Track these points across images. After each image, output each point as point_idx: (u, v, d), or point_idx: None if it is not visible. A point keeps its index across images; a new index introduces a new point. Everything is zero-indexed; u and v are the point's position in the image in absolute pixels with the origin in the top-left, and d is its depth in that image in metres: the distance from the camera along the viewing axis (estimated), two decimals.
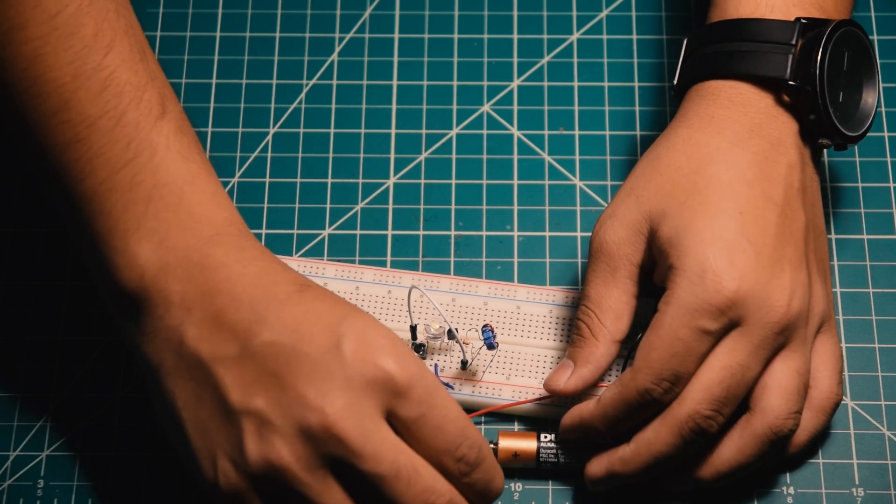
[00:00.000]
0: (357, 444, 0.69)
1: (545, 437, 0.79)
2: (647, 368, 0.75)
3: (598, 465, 0.78)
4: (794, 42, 0.79)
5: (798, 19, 0.79)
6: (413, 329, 0.82)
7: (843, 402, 0.82)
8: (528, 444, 0.79)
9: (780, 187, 0.77)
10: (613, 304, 0.78)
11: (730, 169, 0.77)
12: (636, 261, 0.78)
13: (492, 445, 0.79)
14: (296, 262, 0.85)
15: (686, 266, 0.75)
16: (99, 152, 0.73)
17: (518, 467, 0.80)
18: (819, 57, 0.78)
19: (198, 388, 0.72)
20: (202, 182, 0.75)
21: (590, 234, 0.87)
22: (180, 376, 0.72)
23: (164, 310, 0.73)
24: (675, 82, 0.82)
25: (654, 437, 0.76)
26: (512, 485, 0.80)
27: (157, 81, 0.76)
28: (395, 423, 0.71)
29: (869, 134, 0.90)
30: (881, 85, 0.92)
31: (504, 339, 0.83)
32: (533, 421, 0.82)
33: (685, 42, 0.83)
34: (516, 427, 0.82)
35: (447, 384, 0.81)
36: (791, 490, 0.80)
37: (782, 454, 0.79)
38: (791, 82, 0.78)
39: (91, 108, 0.74)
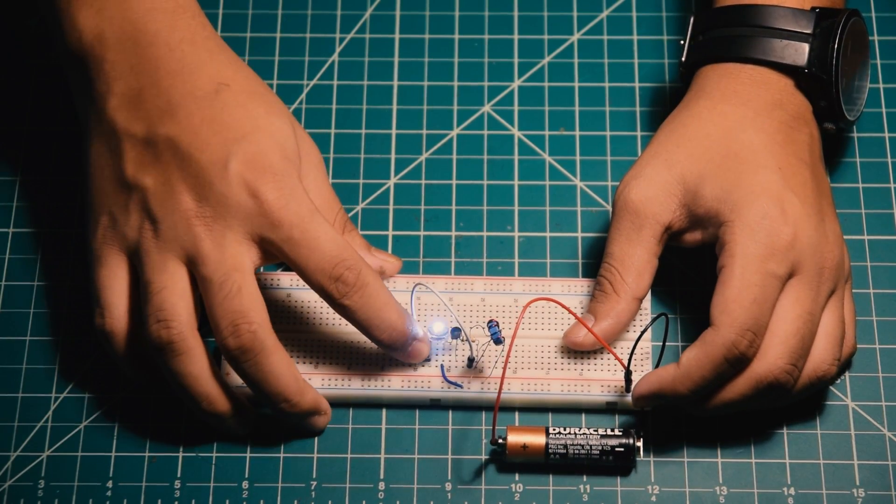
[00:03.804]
0: (205, 248, 0.77)
1: (554, 429, 0.79)
2: (730, 321, 0.76)
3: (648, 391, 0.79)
4: (811, 32, 0.82)
5: (813, 8, 0.83)
6: None
7: (843, 403, 0.83)
8: (536, 438, 0.79)
9: (806, 151, 0.81)
10: (636, 261, 0.80)
11: (760, 132, 0.80)
12: (663, 220, 0.80)
13: (500, 440, 0.79)
14: (289, 277, 0.85)
15: (743, 217, 0.77)
16: None
17: (524, 461, 0.80)
18: (836, 48, 0.82)
19: (108, 153, 0.79)
20: None
21: (591, 234, 0.88)
22: (98, 139, 0.80)
23: (95, 74, 0.80)
24: (682, 60, 0.85)
25: (731, 387, 0.77)
26: (512, 485, 0.80)
27: None
28: (270, 246, 0.77)
29: (869, 134, 0.91)
30: (882, 85, 0.92)
31: (506, 333, 0.82)
32: (523, 411, 0.82)
33: (692, 21, 0.86)
34: (517, 417, 0.82)
35: (456, 384, 0.81)
36: (792, 490, 0.80)
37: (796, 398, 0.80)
38: (807, 71, 0.82)
39: None
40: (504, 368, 0.79)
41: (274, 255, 0.78)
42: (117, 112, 0.79)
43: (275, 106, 0.80)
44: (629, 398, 0.81)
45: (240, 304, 0.76)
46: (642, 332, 0.80)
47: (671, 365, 0.78)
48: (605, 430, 0.80)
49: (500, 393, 0.79)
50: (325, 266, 0.77)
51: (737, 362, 0.76)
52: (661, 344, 0.82)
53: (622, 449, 0.79)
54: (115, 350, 0.80)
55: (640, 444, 0.79)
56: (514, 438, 0.79)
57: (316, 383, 0.82)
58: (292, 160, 0.78)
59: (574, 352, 0.82)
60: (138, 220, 0.78)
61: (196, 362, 0.77)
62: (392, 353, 0.81)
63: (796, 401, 0.80)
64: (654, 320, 0.81)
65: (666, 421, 0.82)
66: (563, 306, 0.80)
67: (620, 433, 0.79)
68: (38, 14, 0.94)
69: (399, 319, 0.79)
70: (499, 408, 0.82)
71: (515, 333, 0.78)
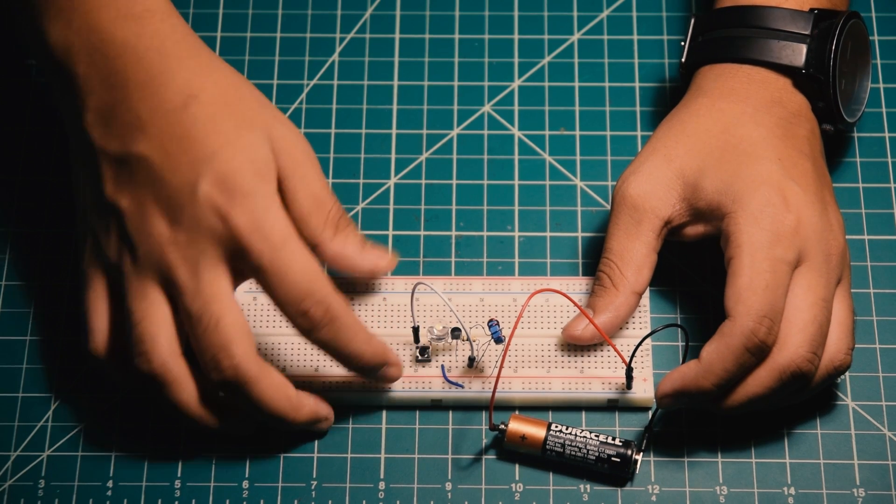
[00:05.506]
0: (181, 277, 0.75)
1: (556, 426, 0.79)
2: (745, 309, 0.76)
3: (671, 387, 0.78)
4: (809, 33, 0.83)
5: (812, 10, 0.83)
6: (416, 331, 0.82)
7: (843, 403, 0.83)
8: (537, 431, 0.79)
9: (806, 144, 0.81)
10: (635, 256, 0.80)
11: (759, 127, 0.81)
12: (662, 215, 0.80)
13: (501, 426, 0.80)
14: None
15: (745, 207, 0.78)
16: None
17: (523, 452, 0.80)
18: (833, 49, 0.82)
19: (87, 171, 0.78)
20: None
21: (591, 234, 0.88)
22: (79, 158, 0.79)
23: (69, 89, 0.78)
24: (682, 60, 0.86)
25: (753, 381, 0.77)
26: (513, 485, 0.80)
27: None
28: (244, 268, 0.76)
29: (869, 134, 0.91)
30: (882, 85, 0.92)
31: (506, 332, 0.82)
32: (523, 409, 0.82)
33: (692, 22, 0.86)
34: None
35: (457, 384, 0.81)
36: (792, 490, 0.80)
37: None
38: (805, 71, 0.82)
39: None
40: (506, 349, 0.79)
41: (246, 273, 0.76)
42: (93, 129, 0.77)
43: (246, 114, 0.78)
44: (630, 395, 0.81)
45: (218, 338, 0.75)
46: (650, 333, 0.80)
47: (692, 361, 0.77)
48: (607, 438, 0.79)
49: (500, 371, 0.78)
50: (292, 300, 0.75)
51: (757, 351, 0.76)
52: (659, 343, 0.82)
53: (618, 459, 0.79)
54: (105, 370, 0.80)
55: (638, 457, 0.79)
56: (516, 426, 0.79)
57: (316, 388, 0.82)
58: (265, 174, 0.76)
59: (575, 349, 0.82)
60: (117, 243, 0.77)
61: (183, 390, 0.77)
62: (364, 377, 0.80)
63: (812, 395, 0.80)
64: (665, 326, 0.81)
65: (666, 421, 0.82)
66: (564, 295, 0.80)
67: (621, 444, 0.79)
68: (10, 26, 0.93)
69: (368, 349, 0.77)
70: (500, 407, 0.82)
71: (517, 324, 0.78)
